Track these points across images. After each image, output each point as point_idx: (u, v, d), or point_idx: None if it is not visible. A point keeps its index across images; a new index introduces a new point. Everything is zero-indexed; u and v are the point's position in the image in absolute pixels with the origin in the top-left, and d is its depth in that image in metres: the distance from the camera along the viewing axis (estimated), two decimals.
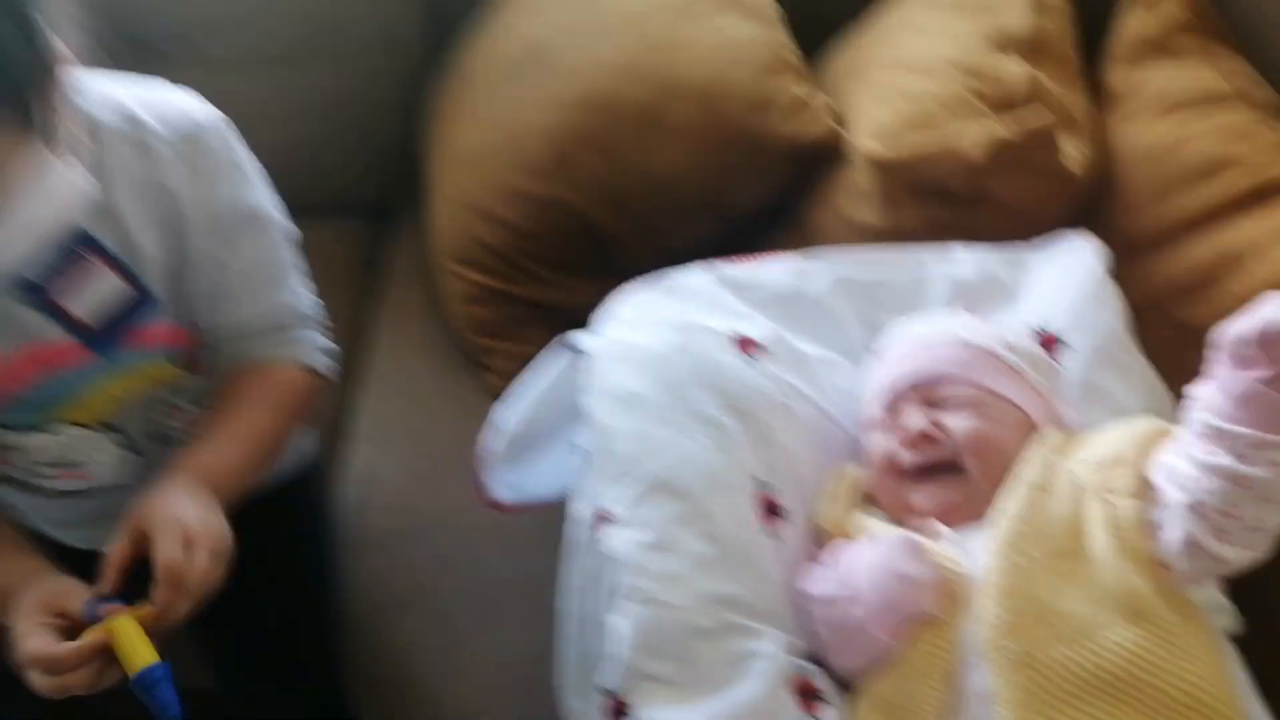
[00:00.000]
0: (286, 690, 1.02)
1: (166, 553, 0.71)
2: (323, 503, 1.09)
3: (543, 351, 0.85)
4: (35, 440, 0.84)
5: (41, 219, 0.68)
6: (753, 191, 1.03)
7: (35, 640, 0.71)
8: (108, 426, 0.86)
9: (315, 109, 1.28)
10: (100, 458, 0.87)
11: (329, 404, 1.13)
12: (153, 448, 0.89)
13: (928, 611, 0.65)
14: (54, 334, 0.79)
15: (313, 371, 0.91)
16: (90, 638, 0.69)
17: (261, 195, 0.86)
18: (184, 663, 0.72)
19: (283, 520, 0.99)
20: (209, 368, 0.89)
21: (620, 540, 0.67)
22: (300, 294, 0.92)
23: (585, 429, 0.77)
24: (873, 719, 0.66)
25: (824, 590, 0.69)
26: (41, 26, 0.65)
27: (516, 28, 1.15)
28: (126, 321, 0.81)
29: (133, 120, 0.78)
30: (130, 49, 0.87)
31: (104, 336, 0.80)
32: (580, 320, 1.15)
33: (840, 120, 1.02)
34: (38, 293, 0.77)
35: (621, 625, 0.65)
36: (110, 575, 0.72)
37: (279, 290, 0.89)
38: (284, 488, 0.99)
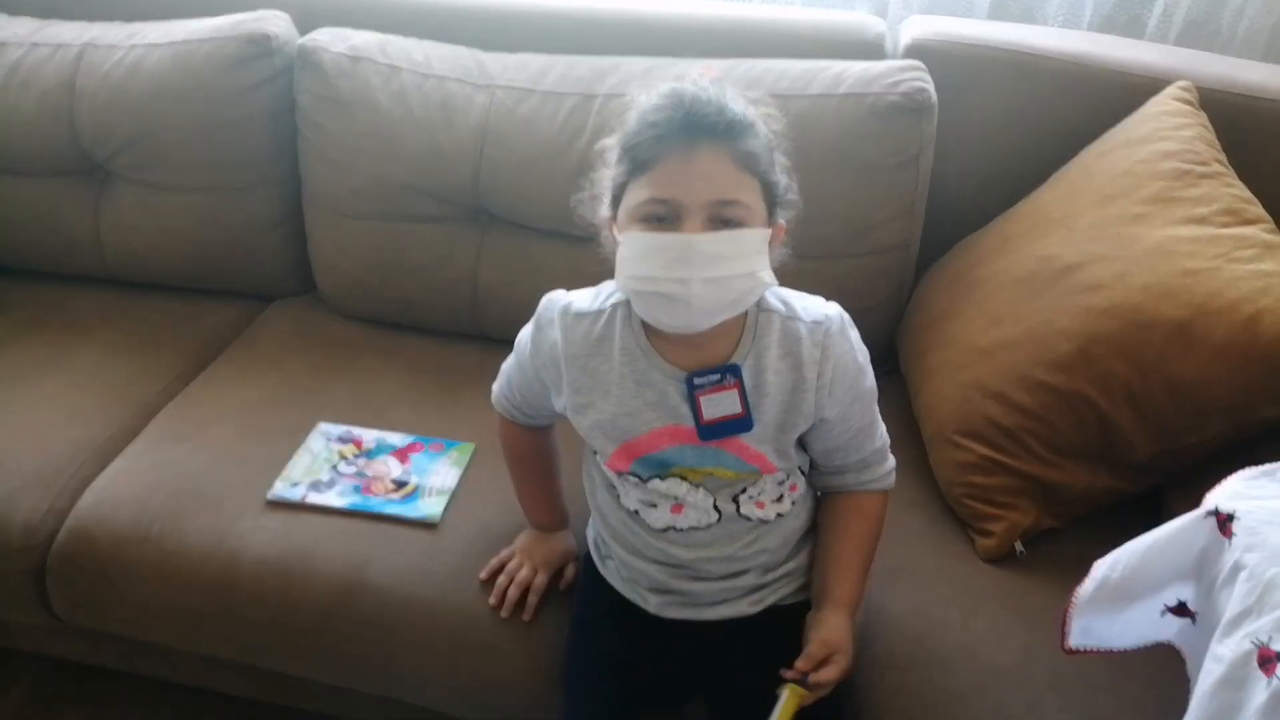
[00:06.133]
0: None
1: (831, 674, 1.08)
2: None
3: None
4: (655, 484, 1.11)
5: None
6: None
7: (527, 573, 1.25)
8: (705, 487, 1.11)
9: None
10: (695, 502, 1.12)
11: None
12: (731, 515, 1.13)
13: None
14: (687, 421, 1.07)
15: (888, 491, 1.17)
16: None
17: (869, 374, 1.11)
18: None
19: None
20: (784, 476, 1.13)
21: None
22: (883, 435, 1.15)
23: (1199, 588, 0.90)
24: None
25: None
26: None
27: (1035, 251, 1.36)
28: (730, 431, 1.07)
29: (788, 305, 1.08)
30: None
31: (711, 433, 1.07)
32: (1068, 498, 1.30)
33: None
34: (693, 391, 1.05)
35: None
36: (806, 665, 1.08)
37: (873, 441, 1.14)
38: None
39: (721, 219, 0.96)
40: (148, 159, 1.75)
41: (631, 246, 0.99)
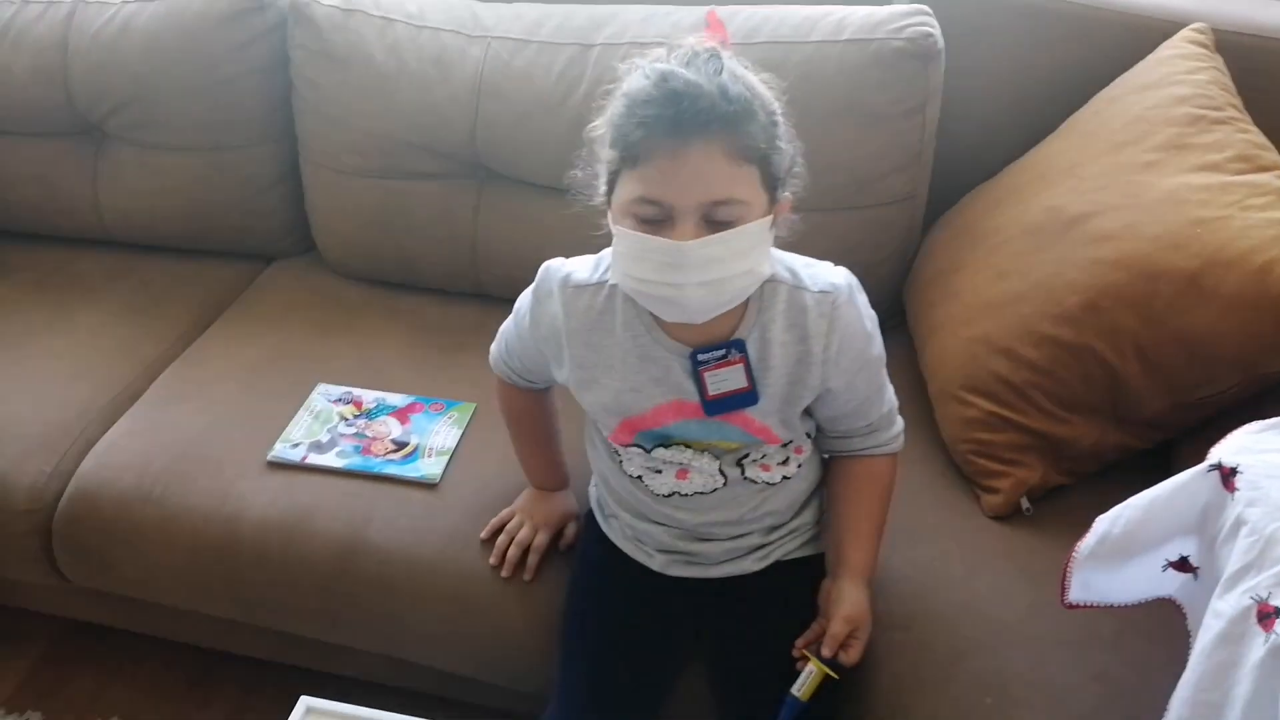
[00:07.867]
0: None
1: (856, 654, 1.08)
2: None
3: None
4: (659, 452, 1.10)
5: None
6: None
7: (528, 533, 1.24)
8: (710, 453, 1.10)
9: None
10: (700, 467, 1.10)
11: None
12: (737, 479, 1.12)
13: None
14: (692, 396, 1.04)
15: (897, 454, 1.14)
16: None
17: (877, 341, 1.08)
18: None
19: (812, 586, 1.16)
20: (787, 441, 1.11)
21: None
22: (890, 399, 1.13)
23: (1202, 543, 0.88)
24: None
25: None
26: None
27: (1043, 201, 1.33)
28: (735, 406, 1.05)
29: (794, 274, 1.04)
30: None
31: (716, 408, 1.05)
32: (1076, 455, 1.27)
33: None
34: (698, 367, 1.03)
35: None
36: (832, 647, 1.06)
37: (881, 405, 1.12)
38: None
39: (716, 219, 0.92)
40: (143, 119, 1.73)
41: (624, 244, 0.95)
